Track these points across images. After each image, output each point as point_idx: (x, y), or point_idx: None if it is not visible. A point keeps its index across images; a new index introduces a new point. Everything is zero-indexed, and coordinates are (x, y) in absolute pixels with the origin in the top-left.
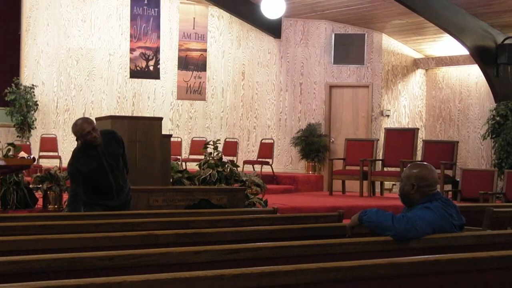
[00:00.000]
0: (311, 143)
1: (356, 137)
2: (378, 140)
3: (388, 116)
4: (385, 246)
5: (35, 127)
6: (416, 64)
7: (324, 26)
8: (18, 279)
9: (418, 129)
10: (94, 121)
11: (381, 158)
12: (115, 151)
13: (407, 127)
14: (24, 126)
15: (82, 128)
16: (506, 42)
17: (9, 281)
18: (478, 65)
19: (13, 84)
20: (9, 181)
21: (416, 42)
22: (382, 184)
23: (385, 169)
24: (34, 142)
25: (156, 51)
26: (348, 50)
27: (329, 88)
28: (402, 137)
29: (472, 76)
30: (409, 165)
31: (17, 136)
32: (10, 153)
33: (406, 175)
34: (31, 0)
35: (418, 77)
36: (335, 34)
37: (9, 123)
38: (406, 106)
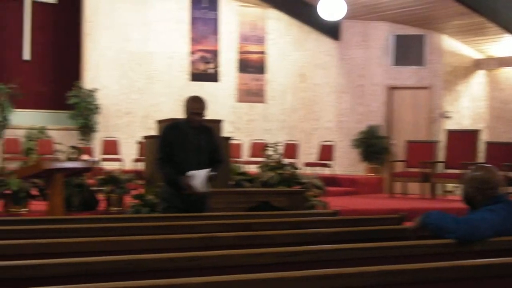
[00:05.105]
0: (371, 145)
1: (417, 139)
2: (439, 141)
3: (449, 117)
4: (448, 249)
5: (97, 130)
6: (477, 64)
7: (383, 27)
8: (81, 281)
9: (480, 130)
10: (206, 105)
11: (442, 160)
12: (205, 139)
13: (468, 128)
14: (87, 129)
15: (193, 105)
16: None
17: (72, 282)
18: None
19: (75, 88)
20: (73, 184)
21: (477, 42)
22: (443, 186)
23: (446, 171)
24: (97, 144)
25: (216, 54)
26: (408, 51)
27: (389, 90)
28: (463, 139)
29: None
30: (472, 167)
31: (80, 139)
32: (74, 155)
33: (469, 178)
34: (92, 5)
35: (479, 78)
36: (394, 35)
37: (72, 126)
38: (467, 107)
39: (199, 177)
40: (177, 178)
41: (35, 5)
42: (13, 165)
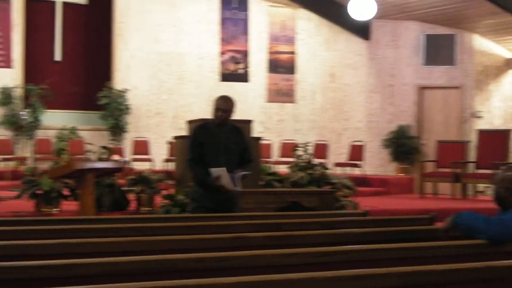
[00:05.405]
0: (401, 145)
1: (447, 139)
2: (470, 141)
3: (480, 117)
4: (479, 249)
5: (128, 130)
6: (508, 64)
7: (414, 27)
8: (111, 280)
9: (511, 130)
10: (233, 104)
11: (473, 160)
12: (235, 139)
13: (500, 128)
14: (117, 129)
15: (218, 102)
16: None
17: (103, 282)
18: None
19: (106, 89)
20: (104, 184)
21: (508, 41)
22: (474, 186)
23: (477, 171)
24: (127, 145)
25: (246, 54)
26: (438, 51)
27: (420, 90)
28: (495, 139)
29: None
30: (503, 167)
31: (111, 139)
32: (104, 156)
33: (501, 178)
34: (123, 6)
35: (511, 77)
36: (425, 35)
37: (103, 126)
38: (498, 107)
39: (226, 176)
40: (207, 179)
41: (66, 6)
42: (44, 165)
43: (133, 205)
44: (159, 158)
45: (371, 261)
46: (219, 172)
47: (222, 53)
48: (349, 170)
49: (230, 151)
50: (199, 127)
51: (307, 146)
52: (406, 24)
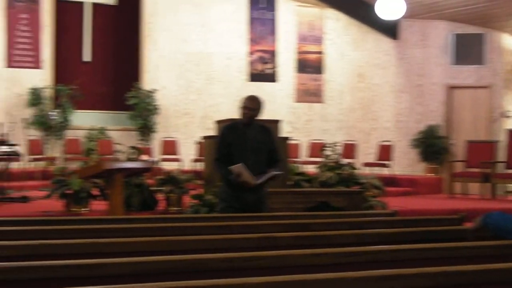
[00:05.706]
0: (430, 145)
1: (477, 138)
2: (500, 141)
3: (509, 117)
4: (509, 250)
5: (157, 130)
6: None
7: (442, 26)
8: (140, 280)
9: None
10: (259, 103)
11: (502, 160)
12: (263, 140)
13: None
14: (146, 129)
15: (243, 100)
16: None
17: (132, 281)
18: None
19: (134, 89)
20: (133, 184)
21: None
22: (504, 186)
23: (507, 171)
24: (156, 145)
25: (274, 54)
26: (468, 50)
27: (449, 89)
28: None
29: None
30: None
31: (140, 140)
32: (133, 156)
33: None
34: (151, 7)
35: None
36: (454, 34)
37: (132, 126)
38: None
39: (245, 171)
40: (231, 178)
41: (95, 7)
42: (74, 165)
43: (162, 205)
44: (187, 158)
45: (399, 262)
46: (238, 168)
47: (250, 53)
48: (377, 170)
49: (258, 151)
50: (227, 127)
51: (336, 146)
52: (435, 23)
